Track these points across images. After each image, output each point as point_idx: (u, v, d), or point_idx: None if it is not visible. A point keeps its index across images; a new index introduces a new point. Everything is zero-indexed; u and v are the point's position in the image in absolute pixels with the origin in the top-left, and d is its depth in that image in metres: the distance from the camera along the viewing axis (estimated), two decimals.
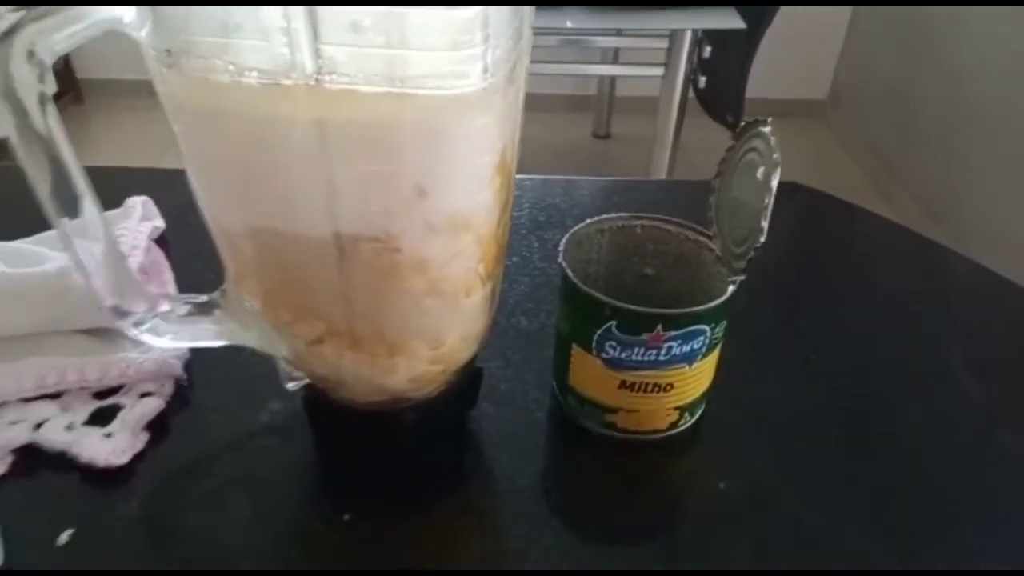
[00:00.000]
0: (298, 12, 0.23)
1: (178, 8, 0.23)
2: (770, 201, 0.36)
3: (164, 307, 0.31)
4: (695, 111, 1.91)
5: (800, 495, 0.39)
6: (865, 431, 0.44)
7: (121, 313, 0.30)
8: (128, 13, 0.23)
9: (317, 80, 0.25)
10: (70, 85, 2.64)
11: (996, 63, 1.82)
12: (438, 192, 0.29)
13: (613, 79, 2.60)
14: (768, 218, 0.36)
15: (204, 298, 0.33)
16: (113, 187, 0.56)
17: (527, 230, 0.60)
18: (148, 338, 0.31)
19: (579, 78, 2.71)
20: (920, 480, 0.41)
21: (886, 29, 2.41)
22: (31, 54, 0.21)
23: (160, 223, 0.55)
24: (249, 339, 0.34)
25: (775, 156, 0.36)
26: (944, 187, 2.02)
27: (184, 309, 0.32)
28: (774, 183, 0.36)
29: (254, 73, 0.24)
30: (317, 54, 0.24)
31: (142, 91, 0.33)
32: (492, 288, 0.36)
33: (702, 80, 1.88)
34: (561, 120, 2.69)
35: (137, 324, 0.31)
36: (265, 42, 0.24)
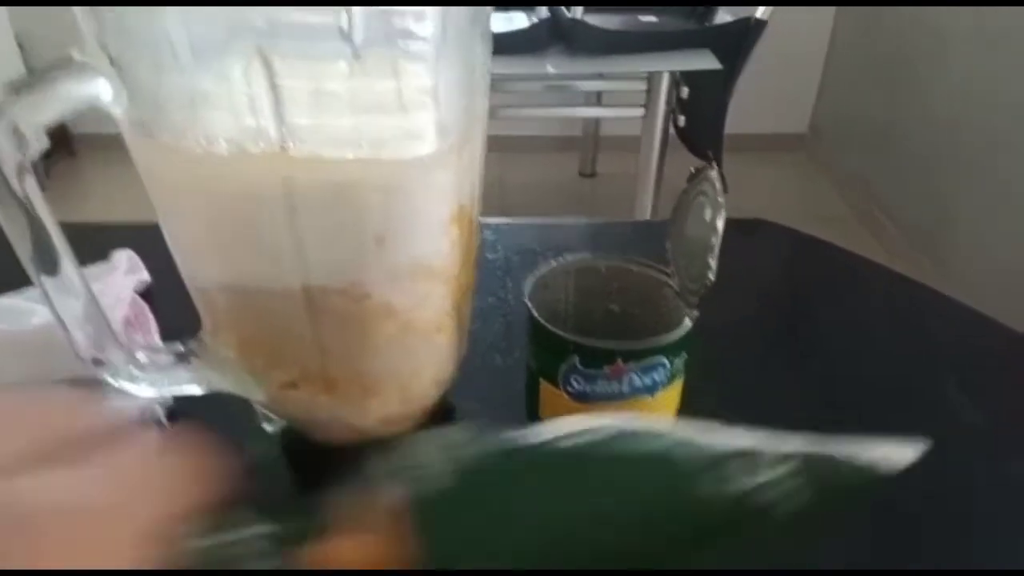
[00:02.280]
0: (261, 83, 0.26)
1: (150, 83, 0.25)
2: (717, 241, 0.38)
3: (142, 357, 0.33)
4: (679, 147, 1.95)
5: None
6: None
7: (99, 364, 0.32)
8: (106, 91, 0.25)
9: (283, 147, 0.27)
10: (63, 140, 2.69)
11: (977, 93, 1.87)
12: (396, 242, 0.31)
13: (597, 120, 2.65)
14: (716, 257, 0.38)
15: (181, 348, 0.35)
16: (100, 242, 0.58)
17: (502, 272, 0.62)
18: (127, 387, 0.33)
19: (564, 120, 2.76)
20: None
21: (864, 62, 2.48)
22: (15, 130, 0.23)
23: (145, 276, 0.57)
24: (226, 385, 0.36)
25: (720, 199, 0.38)
26: (928, 216, 2.05)
27: (163, 359, 0.34)
28: (720, 224, 0.38)
29: (222, 143, 0.26)
30: (281, 122, 0.26)
31: None
32: (459, 330, 0.38)
33: (681, 119, 1.93)
34: (549, 160, 2.74)
35: (115, 374, 0.33)
36: (231, 113, 0.26)
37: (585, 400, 0.41)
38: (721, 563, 0.23)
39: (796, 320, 0.60)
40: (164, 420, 0.45)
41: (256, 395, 0.36)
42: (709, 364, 0.46)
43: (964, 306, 0.58)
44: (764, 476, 0.21)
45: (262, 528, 0.23)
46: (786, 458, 0.22)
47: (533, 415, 0.44)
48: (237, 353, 0.35)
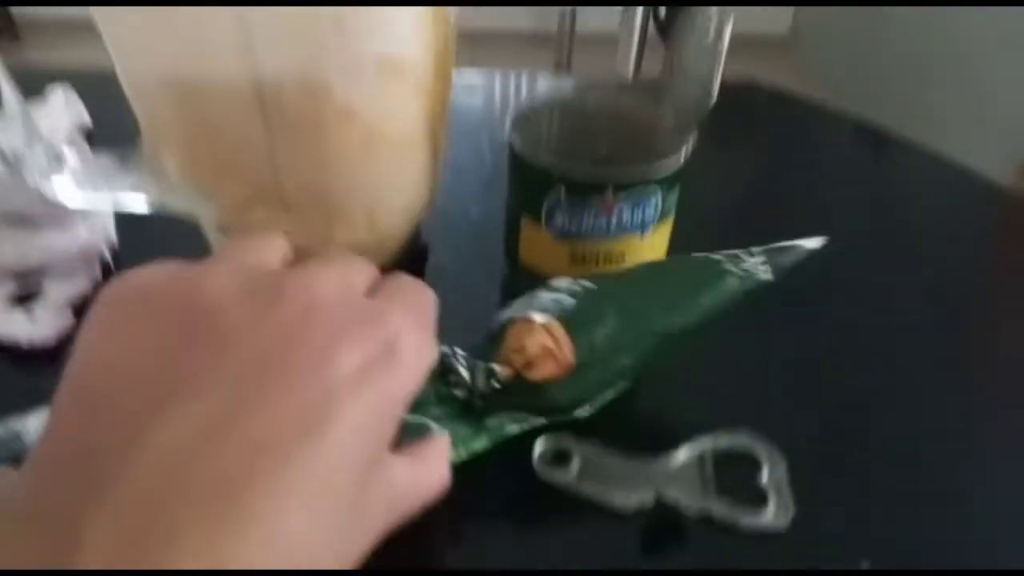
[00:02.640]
0: None
1: None
2: (720, 60, 0.34)
3: (71, 159, 0.29)
4: (658, 47, 1.88)
5: (755, 379, 0.39)
6: (822, 309, 0.43)
7: (25, 164, 0.28)
8: None
9: None
10: (6, 23, 2.52)
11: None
12: (359, 26, 0.26)
13: (573, 12, 2.54)
14: (719, 76, 0.35)
15: (116, 155, 0.31)
16: (37, 83, 0.52)
17: (477, 122, 0.58)
18: (60, 192, 0.29)
19: (538, 13, 2.64)
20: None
21: None
22: None
23: (85, 117, 0.52)
24: (174, 204, 0.32)
25: (724, 16, 0.34)
26: (908, 121, 2.02)
27: (101, 163, 0.30)
28: (724, 41, 0.34)
29: None
30: None
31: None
32: (433, 150, 0.34)
33: (662, 11, 1.85)
34: (522, 56, 2.63)
35: (45, 178, 0.29)
36: None
37: (569, 238, 0.37)
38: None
39: (789, 179, 0.57)
40: (108, 258, 0.41)
41: (205, 216, 0.32)
42: (698, 222, 0.43)
43: (947, 162, 0.56)
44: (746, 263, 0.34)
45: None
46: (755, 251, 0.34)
47: (512, 259, 0.41)
48: (183, 167, 0.31)
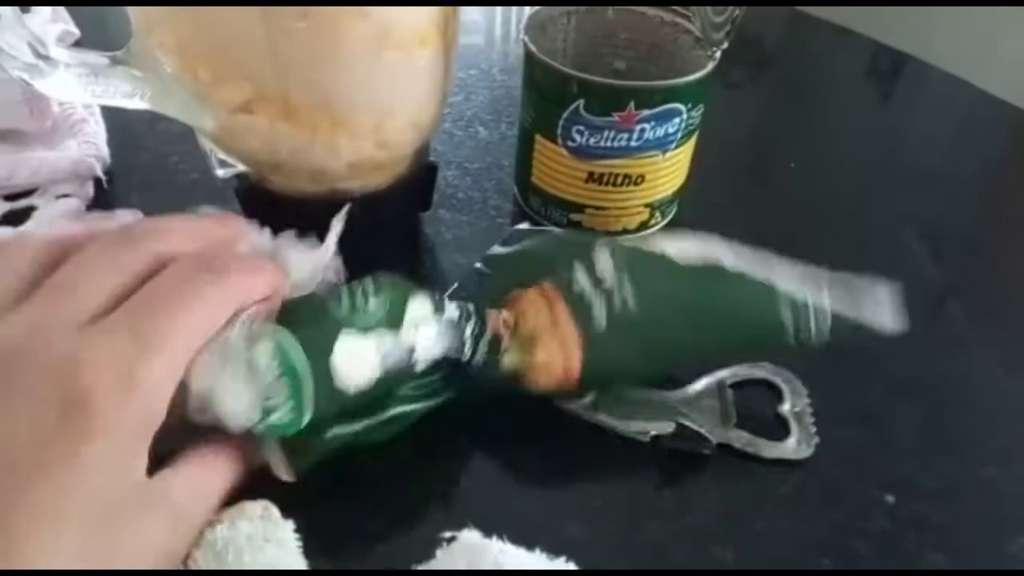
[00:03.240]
0: None
1: None
2: None
3: (60, 54, 0.27)
4: None
5: None
6: (844, 229, 0.41)
7: (7, 57, 0.26)
8: None
9: None
10: None
11: None
12: None
13: None
14: None
15: (109, 55, 0.28)
16: None
17: (485, 43, 0.55)
18: (47, 87, 0.27)
19: None
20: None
21: None
22: None
23: (73, 30, 0.49)
24: (169, 107, 0.30)
25: None
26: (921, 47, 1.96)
27: (91, 59, 0.28)
28: None
29: None
30: None
31: None
32: (446, 52, 0.32)
33: None
34: None
35: (34, 76, 0.26)
36: None
37: (587, 157, 0.35)
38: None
39: (815, 102, 0.54)
40: (101, 175, 0.39)
41: (204, 121, 0.30)
42: (720, 136, 0.41)
43: (965, 83, 0.54)
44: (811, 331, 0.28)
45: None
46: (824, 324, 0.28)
47: (525, 180, 0.39)
48: (177, 62, 0.28)
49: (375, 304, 0.25)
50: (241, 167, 0.33)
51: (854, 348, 0.34)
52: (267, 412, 0.22)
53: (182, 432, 0.22)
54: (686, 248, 0.29)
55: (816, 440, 0.29)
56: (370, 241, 0.38)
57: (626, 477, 0.28)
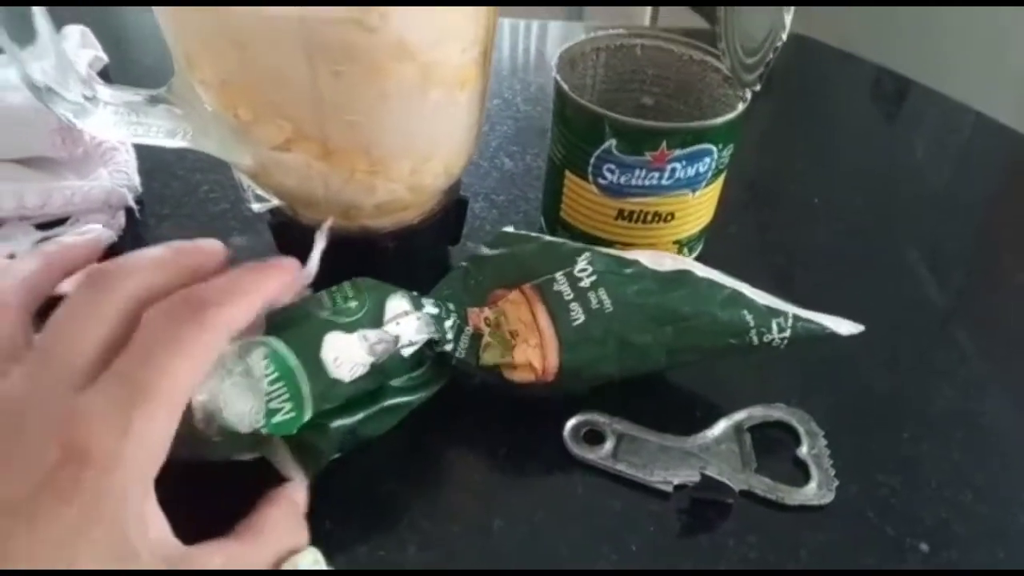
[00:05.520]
0: None
1: None
2: (790, 10, 0.32)
3: (104, 94, 0.27)
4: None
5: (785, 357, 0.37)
6: (869, 266, 0.42)
7: (57, 96, 0.26)
8: None
9: None
10: None
11: None
12: None
13: None
14: (787, 27, 0.32)
15: (150, 93, 0.29)
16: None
17: (508, 72, 0.56)
18: (90, 126, 0.27)
19: None
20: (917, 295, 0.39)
21: None
22: None
23: (102, 55, 0.49)
24: (207, 144, 0.30)
25: None
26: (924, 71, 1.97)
27: (132, 97, 0.28)
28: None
29: None
30: None
31: None
32: (483, 90, 0.32)
33: None
34: (534, 11, 2.57)
35: (78, 115, 0.27)
36: None
37: (617, 195, 0.36)
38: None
39: (835, 135, 0.55)
40: (133, 205, 0.39)
41: (241, 159, 0.31)
42: (744, 173, 0.41)
43: (968, 108, 0.54)
44: (773, 331, 0.31)
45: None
46: (785, 325, 0.31)
47: (552, 215, 0.39)
48: (217, 99, 0.29)
49: (356, 304, 0.27)
50: (276, 201, 0.33)
51: (863, 388, 0.34)
52: (271, 413, 0.24)
53: (192, 443, 0.22)
54: (660, 260, 0.32)
55: (836, 484, 0.29)
56: (399, 273, 0.38)
57: (656, 522, 0.28)
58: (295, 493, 0.25)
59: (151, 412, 0.20)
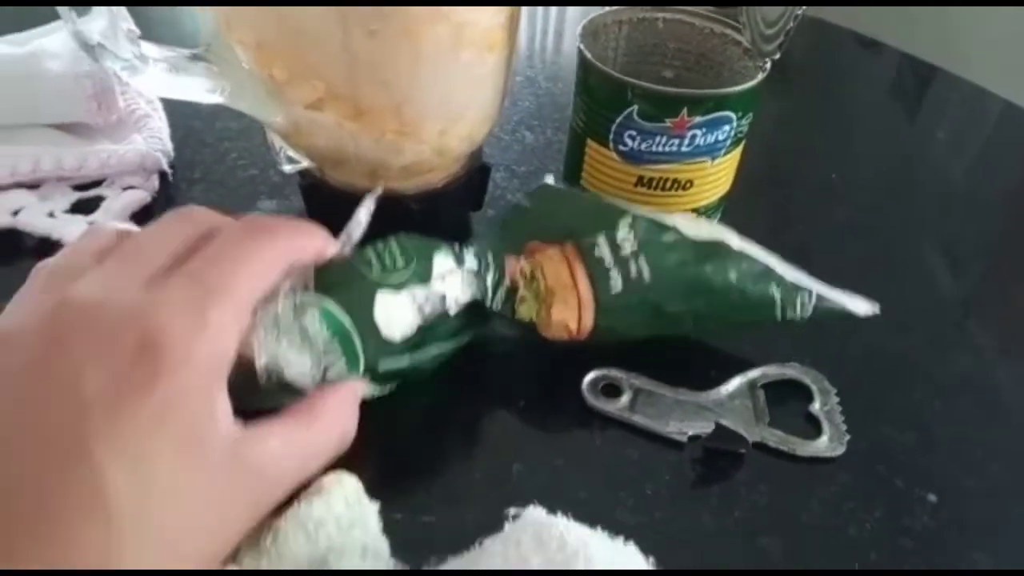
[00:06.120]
0: None
1: None
2: None
3: (151, 51, 0.28)
4: None
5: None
6: (889, 247, 0.42)
7: (108, 53, 0.27)
8: None
9: None
10: None
11: None
12: None
13: None
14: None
15: (191, 51, 0.30)
16: None
17: (529, 54, 0.57)
18: (139, 82, 0.28)
19: None
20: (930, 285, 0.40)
21: None
22: None
23: (134, 28, 0.51)
24: (242, 103, 0.31)
25: None
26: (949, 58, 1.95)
27: (174, 55, 0.29)
28: None
29: None
30: None
31: None
32: (510, 55, 0.33)
33: None
34: None
35: (129, 71, 0.28)
36: None
37: (637, 161, 0.36)
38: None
39: (855, 113, 0.55)
40: (167, 168, 0.40)
41: (274, 117, 0.32)
42: (766, 146, 0.42)
43: (993, 95, 0.54)
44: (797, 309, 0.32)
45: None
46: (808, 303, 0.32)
47: (574, 183, 0.40)
48: (254, 59, 0.30)
49: (402, 263, 0.27)
50: (307, 163, 0.35)
51: (875, 351, 0.35)
52: (326, 369, 0.25)
53: (256, 397, 0.24)
54: (698, 226, 0.33)
55: (848, 438, 0.30)
56: (424, 233, 0.39)
57: (671, 471, 0.29)
58: (353, 383, 0.26)
59: (223, 309, 0.21)
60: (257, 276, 0.23)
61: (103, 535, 0.18)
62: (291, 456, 0.22)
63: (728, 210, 0.40)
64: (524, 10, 0.63)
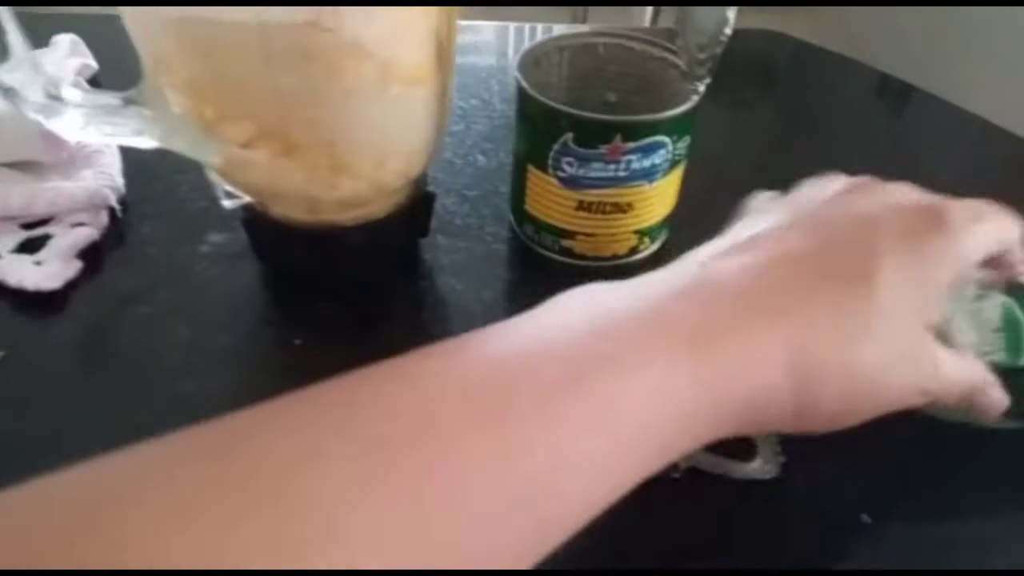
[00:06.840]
0: None
1: None
2: (733, 10, 0.33)
3: (70, 95, 0.28)
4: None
5: None
6: None
7: (24, 98, 0.28)
8: None
9: None
10: None
11: None
12: None
13: None
14: (731, 26, 0.34)
15: (120, 95, 0.30)
16: (42, 31, 0.52)
17: (486, 73, 0.57)
18: (58, 126, 0.28)
19: None
20: None
21: None
22: None
23: (91, 62, 0.51)
24: (177, 144, 0.32)
25: None
26: (931, 79, 1.97)
27: (104, 100, 0.29)
28: None
29: None
30: None
31: None
32: (442, 90, 0.34)
33: None
34: (537, 13, 2.58)
35: (45, 115, 0.28)
36: None
37: (576, 187, 0.37)
38: None
39: (807, 128, 0.56)
40: (116, 205, 0.41)
41: (210, 156, 0.32)
42: (710, 164, 0.42)
43: (971, 115, 0.55)
44: None
45: None
46: None
47: (519, 208, 0.41)
48: (184, 100, 0.30)
49: None
50: (246, 198, 0.35)
51: None
52: (984, 353, 0.28)
53: None
54: None
55: (782, 459, 0.30)
56: (369, 266, 0.39)
57: None
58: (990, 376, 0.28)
59: (988, 227, 0.27)
60: (984, 235, 0.27)
61: (877, 298, 0.24)
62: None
63: (676, 228, 0.41)
64: (486, 31, 0.63)
